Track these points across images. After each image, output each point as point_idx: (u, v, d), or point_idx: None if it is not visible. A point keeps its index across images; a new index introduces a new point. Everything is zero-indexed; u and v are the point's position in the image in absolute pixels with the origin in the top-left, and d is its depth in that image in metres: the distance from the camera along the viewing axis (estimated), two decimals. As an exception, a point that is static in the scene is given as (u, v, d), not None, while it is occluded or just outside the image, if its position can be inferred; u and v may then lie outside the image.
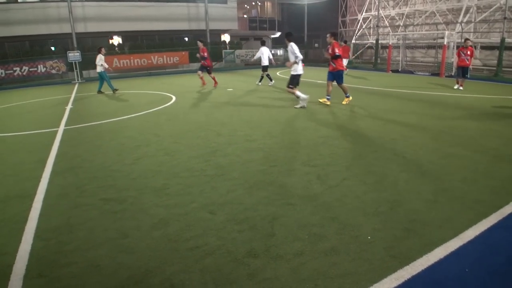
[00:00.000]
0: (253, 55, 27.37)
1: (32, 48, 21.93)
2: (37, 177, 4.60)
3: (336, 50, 8.78)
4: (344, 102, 9.23)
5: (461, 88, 11.88)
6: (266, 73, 14.45)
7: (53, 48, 23.43)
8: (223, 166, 4.70)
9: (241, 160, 4.92)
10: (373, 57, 24.49)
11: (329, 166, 4.58)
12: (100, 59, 12.98)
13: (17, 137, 7.08)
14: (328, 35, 9.02)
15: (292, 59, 8.50)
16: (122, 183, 4.28)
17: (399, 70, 20.14)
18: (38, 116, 9.38)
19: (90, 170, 4.79)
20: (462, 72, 11.92)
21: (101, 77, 13.17)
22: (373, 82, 14.75)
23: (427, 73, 18.49)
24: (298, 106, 8.81)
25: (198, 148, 5.64)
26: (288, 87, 8.79)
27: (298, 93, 8.71)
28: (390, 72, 19.83)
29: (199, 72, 13.84)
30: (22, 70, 19.79)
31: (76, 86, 17.33)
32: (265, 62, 14.30)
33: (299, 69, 8.64)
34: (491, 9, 19.47)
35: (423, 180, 4.09)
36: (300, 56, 8.49)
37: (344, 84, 9.22)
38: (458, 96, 10.54)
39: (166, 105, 10.01)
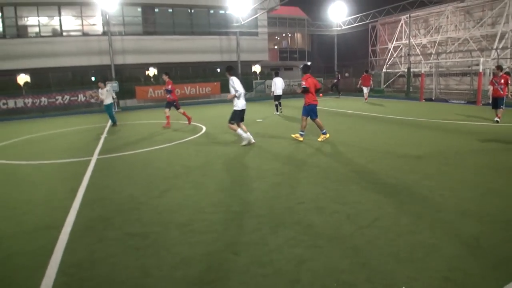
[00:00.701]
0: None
1: (74, 78, 23.30)
2: (67, 207, 4.68)
3: (303, 83, 8.39)
4: (319, 139, 8.60)
5: (498, 119, 10.82)
6: (277, 102, 15.09)
7: (93, 78, 24.78)
8: (248, 202, 4.60)
9: (267, 196, 4.80)
10: (405, 86, 24.06)
11: (359, 204, 4.37)
12: (102, 93, 12.90)
13: (52, 165, 7.35)
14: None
15: (232, 92, 8.08)
16: (147, 217, 4.27)
17: (433, 98, 19.61)
18: (74, 145, 9.76)
19: (118, 202, 4.84)
20: (497, 103, 10.97)
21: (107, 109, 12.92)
22: (405, 111, 14.36)
23: (463, 101, 17.86)
24: (243, 143, 8.31)
25: (225, 181, 5.59)
26: (230, 122, 8.26)
27: (239, 130, 8.27)
28: (424, 100, 19.32)
29: (166, 110, 12.07)
30: (64, 99, 20.97)
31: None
32: (278, 91, 14.94)
33: (240, 104, 8.14)
34: (530, 35, 18.79)
35: (463, 221, 3.80)
36: (241, 91, 8.02)
37: (319, 120, 8.60)
38: (495, 126, 10.02)
39: (197, 135, 10.15)
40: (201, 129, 11.35)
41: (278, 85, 14.96)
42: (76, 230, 3.97)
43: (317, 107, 8.60)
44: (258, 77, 28.19)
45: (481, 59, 17.37)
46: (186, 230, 3.83)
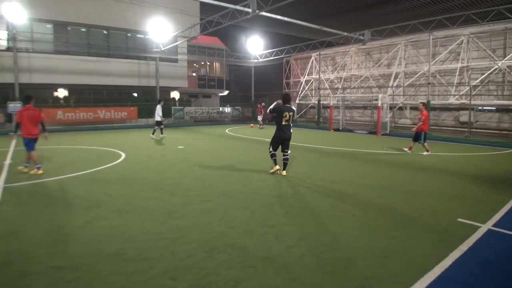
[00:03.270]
0: (202, 112, 28.10)
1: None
2: (-26, 244, 4.22)
3: (16, 116, 8.23)
4: (32, 171, 8.18)
5: (408, 151, 11.80)
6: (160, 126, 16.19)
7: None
8: (180, 228, 4.67)
9: (198, 222, 4.93)
10: (316, 116, 26.22)
11: (285, 226, 4.75)
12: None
13: None
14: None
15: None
16: (73, 248, 4.07)
17: (340, 128, 21.66)
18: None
19: (36, 234, 4.50)
20: (416, 137, 11.73)
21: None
22: (316, 139, 15.65)
23: (365, 131, 20.08)
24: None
25: (153, 209, 5.55)
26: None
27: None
28: (332, 130, 21.22)
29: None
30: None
31: (15, 139, 16.28)
32: (157, 118, 16.00)
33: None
34: (417, 75, 22.13)
35: (373, 236, 4.40)
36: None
37: (34, 152, 8.21)
38: (393, 154, 11.56)
39: (116, 162, 9.77)
40: (120, 155, 10.94)
41: (158, 111, 15.96)
42: (-9, 267, 3.63)
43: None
44: (177, 103, 28.09)
45: (380, 95, 19.91)
46: (118, 260, 3.76)
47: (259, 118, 23.24)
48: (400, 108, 23.50)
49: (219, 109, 30.23)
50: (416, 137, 11.79)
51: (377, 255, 3.88)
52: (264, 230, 4.61)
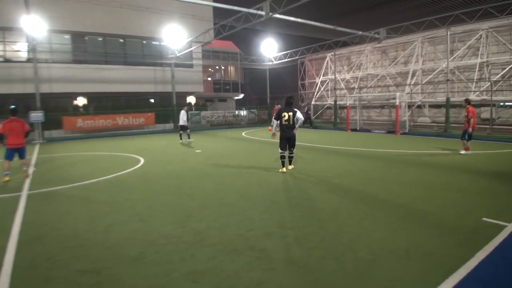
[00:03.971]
0: (219, 116, 28.25)
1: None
2: (2, 248, 4.34)
3: None
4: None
5: (463, 152, 10.99)
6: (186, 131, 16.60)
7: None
8: (199, 232, 4.69)
9: (217, 225, 4.94)
10: (333, 117, 26.01)
11: (305, 228, 4.71)
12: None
13: (-26, 205, 6.67)
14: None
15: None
16: (96, 252, 4.14)
17: (357, 128, 21.41)
18: (-3, 182, 8.92)
19: (60, 240, 4.59)
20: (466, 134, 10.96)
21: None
22: (335, 141, 15.51)
23: (383, 131, 19.78)
24: None
25: (172, 213, 5.59)
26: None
27: None
28: (350, 130, 20.99)
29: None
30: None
31: (38, 146, 16.78)
32: (181, 122, 16.29)
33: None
34: (435, 72, 21.70)
35: (393, 237, 4.31)
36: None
37: (6, 162, 8.45)
38: (414, 153, 11.34)
39: (135, 167, 9.91)
40: (139, 161, 11.10)
41: (183, 116, 16.33)
42: (18, 270, 3.72)
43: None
44: (193, 108, 28.34)
45: (397, 94, 19.58)
46: (140, 263, 3.80)
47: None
48: (419, 106, 23.07)
49: (235, 112, 30.36)
50: (466, 135, 10.99)
51: (400, 256, 3.80)
52: (283, 232, 4.58)
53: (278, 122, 8.62)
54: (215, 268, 3.62)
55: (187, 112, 16.52)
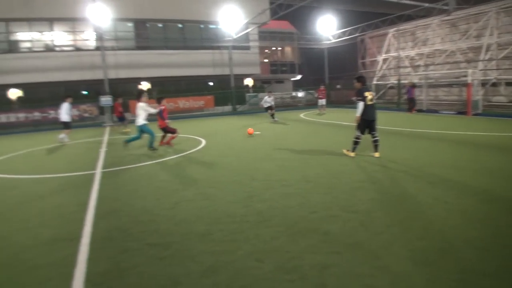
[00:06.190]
0: (276, 98, 28.22)
1: (66, 93, 23.24)
2: (80, 220, 4.75)
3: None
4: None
5: None
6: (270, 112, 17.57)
7: (85, 93, 24.74)
8: (262, 212, 4.73)
9: (279, 206, 4.94)
10: (396, 97, 24.63)
11: (370, 212, 4.54)
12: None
13: (56, 179, 7.36)
14: None
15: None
16: (165, 227, 4.37)
17: (424, 109, 20.10)
18: (75, 158, 9.78)
19: (132, 214, 4.91)
20: None
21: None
22: (401, 123, 14.73)
23: (453, 112, 18.36)
24: None
25: (235, 193, 5.70)
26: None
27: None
28: (415, 111, 19.79)
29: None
30: (57, 113, 20.85)
31: (108, 129, 18.06)
32: (266, 105, 17.61)
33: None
34: (513, 46, 19.52)
35: (470, 226, 3.99)
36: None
37: None
38: (489, 135, 10.38)
39: (197, 148, 10.27)
40: (200, 142, 11.46)
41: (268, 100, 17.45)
42: (96, 242, 4.04)
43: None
44: (251, 90, 28.50)
45: (469, 71, 17.95)
46: (206, 240, 3.94)
47: (322, 102, 21.51)
48: (494, 84, 20.97)
49: (292, 94, 30.04)
50: None
51: (476, 247, 3.49)
52: (347, 216, 4.45)
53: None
54: (279, 249, 3.63)
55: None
